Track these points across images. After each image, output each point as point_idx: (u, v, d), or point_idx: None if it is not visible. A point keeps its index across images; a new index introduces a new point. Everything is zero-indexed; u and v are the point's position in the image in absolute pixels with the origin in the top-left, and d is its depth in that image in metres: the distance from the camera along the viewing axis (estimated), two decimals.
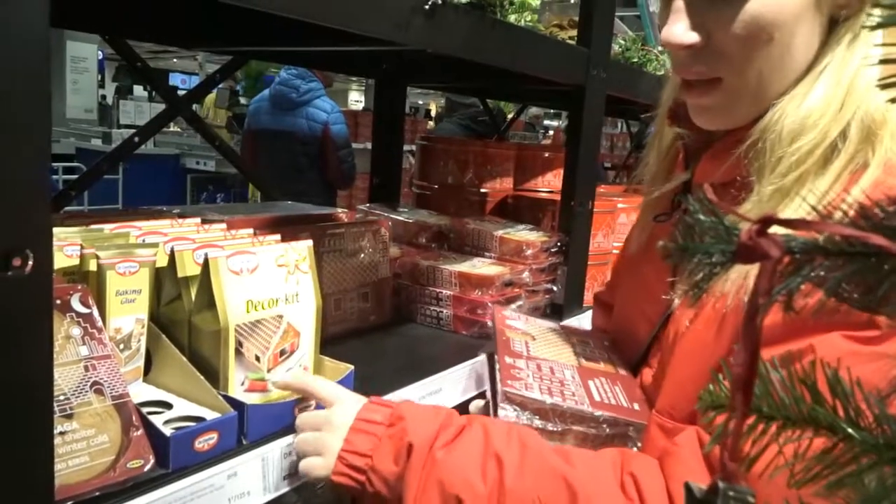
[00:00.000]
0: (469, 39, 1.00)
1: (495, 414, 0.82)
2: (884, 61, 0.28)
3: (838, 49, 0.70)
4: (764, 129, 0.71)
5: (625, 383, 0.87)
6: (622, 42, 1.62)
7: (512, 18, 1.11)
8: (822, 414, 0.34)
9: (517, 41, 1.11)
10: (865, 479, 0.32)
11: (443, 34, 0.94)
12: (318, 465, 0.75)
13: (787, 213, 0.67)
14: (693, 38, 0.73)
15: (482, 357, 1.04)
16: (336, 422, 0.76)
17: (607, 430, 0.80)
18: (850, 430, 0.33)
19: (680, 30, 0.73)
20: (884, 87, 0.28)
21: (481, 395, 1.07)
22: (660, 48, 1.76)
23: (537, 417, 0.80)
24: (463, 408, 1.04)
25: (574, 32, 1.42)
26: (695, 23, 0.73)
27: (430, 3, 0.87)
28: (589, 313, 1.44)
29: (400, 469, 0.72)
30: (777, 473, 0.35)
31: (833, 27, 0.71)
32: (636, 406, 0.82)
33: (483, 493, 0.68)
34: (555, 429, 0.80)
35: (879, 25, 0.27)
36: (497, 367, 0.86)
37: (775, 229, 0.30)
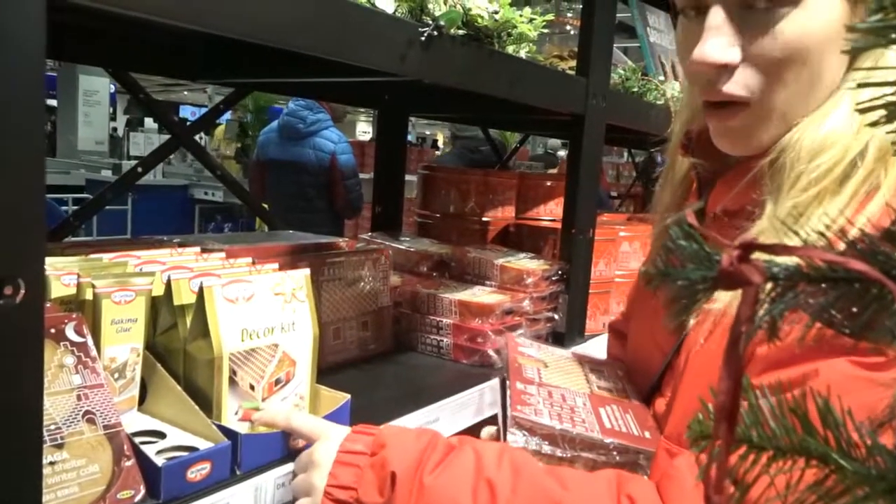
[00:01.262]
0: (466, 70, 1.01)
1: (505, 439, 0.81)
2: (861, 85, 0.28)
3: (859, 74, 0.70)
4: (784, 148, 0.71)
5: (636, 412, 0.86)
6: (622, 72, 1.63)
7: (510, 49, 1.12)
8: (813, 444, 0.33)
9: (515, 71, 1.12)
10: None
11: (439, 65, 0.95)
12: None
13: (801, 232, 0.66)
14: (730, 56, 0.70)
15: (495, 381, 1.03)
16: (319, 459, 0.74)
17: (617, 457, 0.79)
18: (841, 461, 0.32)
19: (716, 48, 0.70)
20: (862, 111, 0.28)
21: (492, 421, 1.06)
22: (661, 78, 1.78)
23: (546, 443, 0.79)
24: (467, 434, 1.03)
25: (574, 63, 1.43)
26: (730, 41, 0.71)
27: (425, 34, 0.88)
28: (592, 342, 1.43)
29: (385, 499, 0.71)
30: None
31: (851, 61, 0.71)
32: (647, 434, 0.81)
33: None
34: (564, 455, 0.79)
35: (854, 50, 0.27)
36: (508, 392, 0.86)
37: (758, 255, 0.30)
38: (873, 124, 0.28)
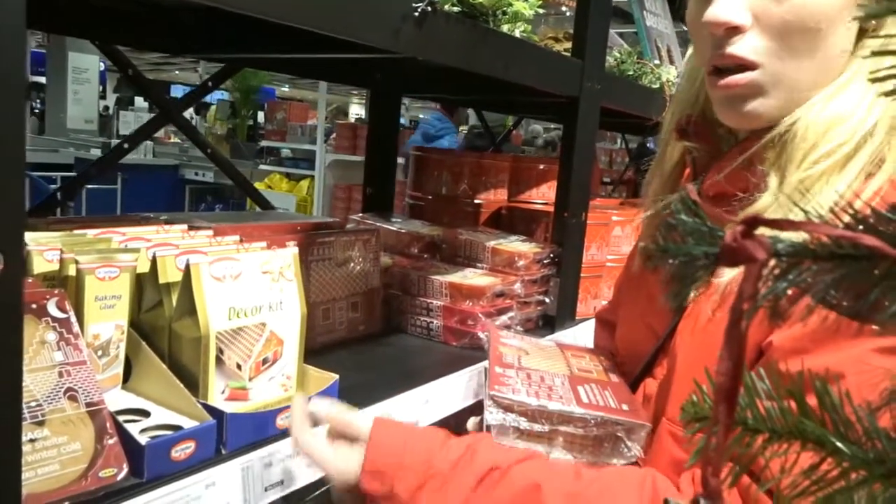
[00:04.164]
0: (461, 48, 0.99)
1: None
2: (876, 53, 0.27)
3: (863, 56, 0.70)
4: (792, 123, 0.70)
5: (615, 388, 0.87)
6: (617, 55, 1.62)
7: (505, 28, 1.10)
8: (809, 427, 0.32)
9: (510, 51, 1.10)
10: (855, 496, 0.31)
11: (434, 42, 0.93)
12: None
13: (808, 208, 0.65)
14: (741, 18, 0.70)
15: (483, 365, 1.04)
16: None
17: (595, 430, 0.79)
18: (839, 444, 0.31)
19: (726, 8, 0.70)
20: (874, 80, 0.27)
21: (480, 406, 1.05)
22: (656, 61, 1.76)
23: (524, 419, 0.79)
24: (455, 418, 1.03)
25: (569, 45, 1.41)
26: (741, 3, 0.71)
27: (419, 9, 0.86)
28: (581, 326, 1.43)
29: None
30: (763, 489, 0.34)
31: (861, 38, 0.71)
32: (625, 407, 0.82)
33: None
34: (542, 430, 0.79)
35: (866, 17, 0.26)
36: (487, 376, 0.87)
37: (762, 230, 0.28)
38: (889, 94, 0.27)
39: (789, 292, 0.28)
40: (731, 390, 0.29)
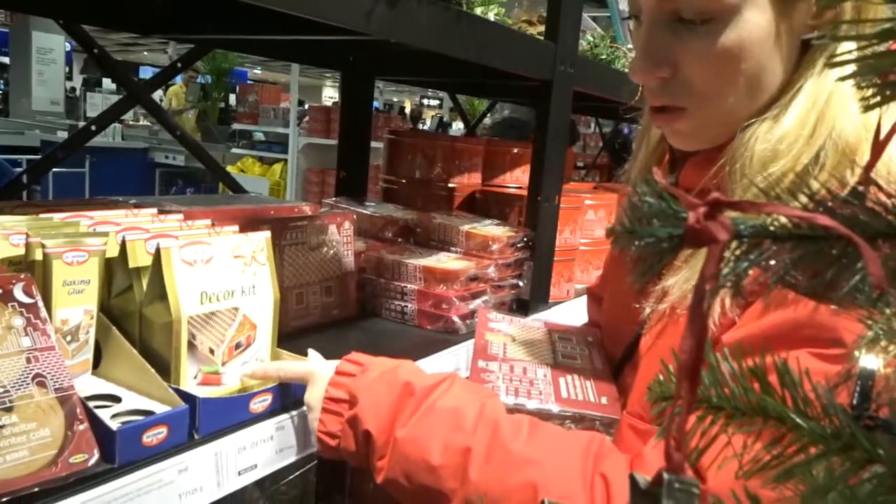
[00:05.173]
0: (433, 30, 0.98)
1: None
2: (835, 37, 0.27)
3: (812, 72, 0.69)
4: (734, 153, 0.70)
5: (597, 379, 0.88)
6: (591, 38, 1.62)
7: (478, 11, 1.10)
8: (770, 404, 0.33)
9: (483, 34, 1.10)
10: (813, 469, 0.32)
11: (406, 24, 0.92)
12: (314, 444, 0.80)
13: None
14: (661, 72, 0.73)
15: (458, 347, 1.07)
16: (311, 403, 0.79)
17: (572, 426, 0.80)
18: (798, 420, 0.33)
19: (646, 65, 0.73)
20: (832, 65, 0.27)
21: None
22: (629, 46, 1.77)
23: None
24: None
25: (543, 28, 1.41)
26: (662, 56, 0.72)
27: None
28: (555, 308, 1.44)
29: (363, 451, 0.74)
30: (725, 464, 0.34)
31: (807, 48, 0.70)
32: (604, 400, 0.83)
33: (449, 487, 0.68)
34: None
35: (827, 2, 0.26)
36: (469, 366, 0.88)
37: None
38: (842, 78, 0.27)
39: (750, 272, 0.29)
40: (694, 368, 0.30)
